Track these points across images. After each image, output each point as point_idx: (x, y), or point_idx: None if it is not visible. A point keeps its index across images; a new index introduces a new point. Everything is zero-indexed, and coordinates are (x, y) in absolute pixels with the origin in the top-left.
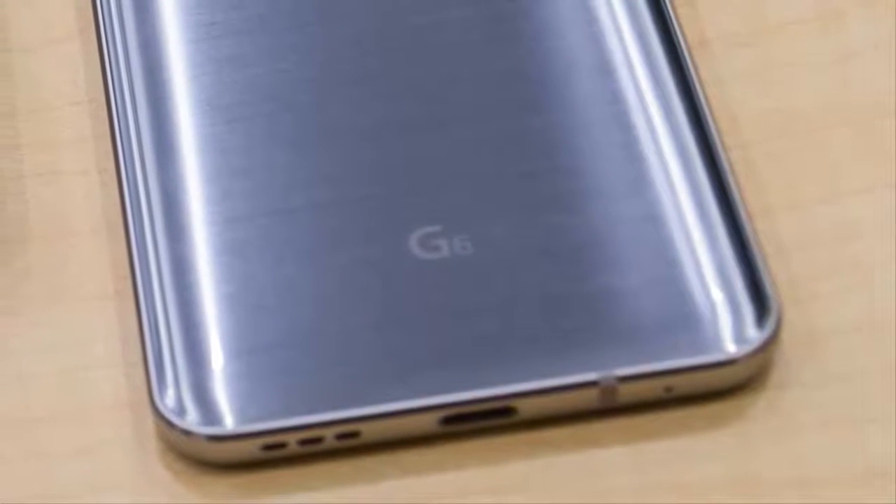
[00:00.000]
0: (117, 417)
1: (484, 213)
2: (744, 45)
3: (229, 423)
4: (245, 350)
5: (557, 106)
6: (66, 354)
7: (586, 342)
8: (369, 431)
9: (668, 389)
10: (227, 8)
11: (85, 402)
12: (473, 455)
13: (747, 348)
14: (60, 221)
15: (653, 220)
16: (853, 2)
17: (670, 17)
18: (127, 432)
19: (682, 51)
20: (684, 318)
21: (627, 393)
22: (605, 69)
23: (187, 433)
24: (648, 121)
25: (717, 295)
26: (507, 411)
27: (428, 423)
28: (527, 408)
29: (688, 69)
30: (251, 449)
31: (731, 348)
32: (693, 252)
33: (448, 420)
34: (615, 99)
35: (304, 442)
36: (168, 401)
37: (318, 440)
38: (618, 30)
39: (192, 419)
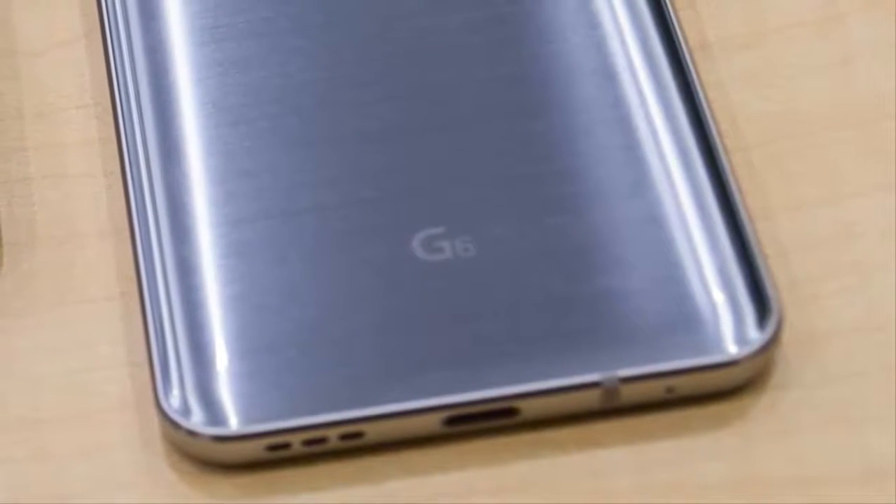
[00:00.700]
0: (123, 418)
1: (486, 214)
2: (745, 48)
3: (234, 423)
4: (249, 351)
5: (559, 109)
6: (72, 355)
7: (588, 343)
8: (373, 432)
9: (670, 390)
10: (232, 12)
11: (90, 403)
12: (476, 455)
13: (748, 349)
14: (66, 224)
15: (654, 222)
16: (853, 4)
17: (672, 20)
18: (132, 433)
19: (683, 54)
20: (686, 319)
21: (629, 393)
22: (606, 72)
23: (192, 434)
24: (650, 123)
25: (719, 296)
26: (509, 412)
27: (431, 423)
28: (529, 408)
29: (689, 72)
30: (256, 449)
31: (732, 349)
32: (694, 254)
33: (451, 421)
34: (617, 102)
35: (308, 442)
36: (173, 401)
37: (322, 440)
38: (619, 33)
39: (196, 420)
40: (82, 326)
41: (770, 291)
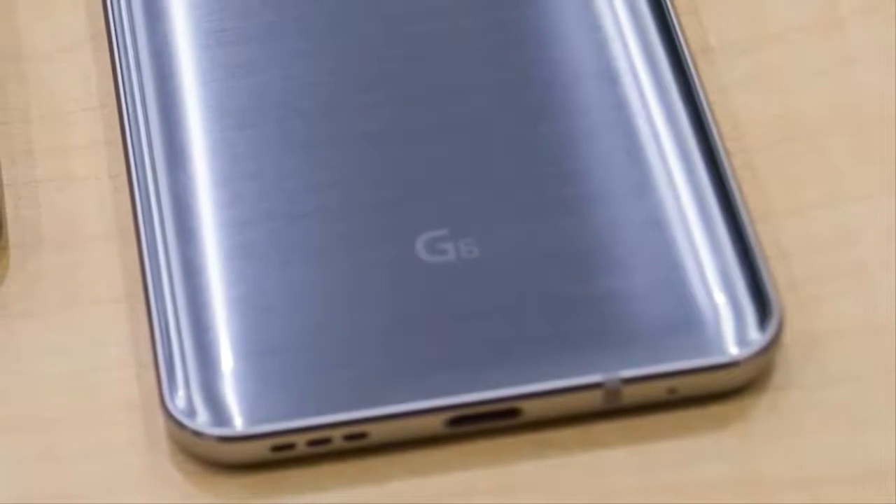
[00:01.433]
0: (129, 419)
1: (490, 217)
2: (746, 52)
3: (239, 424)
4: (254, 352)
5: (562, 112)
6: (78, 357)
7: (591, 344)
8: (377, 432)
9: (672, 391)
10: (237, 15)
11: (97, 404)
12: (479, 456)
13: (749, 350)
14: (73, 226)
15: (656, 224)
16: (854, 9)
17: (674, 24)
18: (138, 433)
19: (685, 58)
20: (687, 320)
21: (631, 394)
22: (609, 76)
23: (198, 434)
24: (652, 127)
25: (720, 298)
26: (512, 413)
27: (435, 424)
28: (532, 409)
29: (691, 76)
30: (260, 450)
31: (733, 350)
32: (696, 256)
33: (454, 421)
34: (619, 105)
35: (312, 443)
36: (179, 402)
37: (326, 441)
38: (622, 37)
39: (202, 420)
40: (88, 328)
41: (771, 293)
